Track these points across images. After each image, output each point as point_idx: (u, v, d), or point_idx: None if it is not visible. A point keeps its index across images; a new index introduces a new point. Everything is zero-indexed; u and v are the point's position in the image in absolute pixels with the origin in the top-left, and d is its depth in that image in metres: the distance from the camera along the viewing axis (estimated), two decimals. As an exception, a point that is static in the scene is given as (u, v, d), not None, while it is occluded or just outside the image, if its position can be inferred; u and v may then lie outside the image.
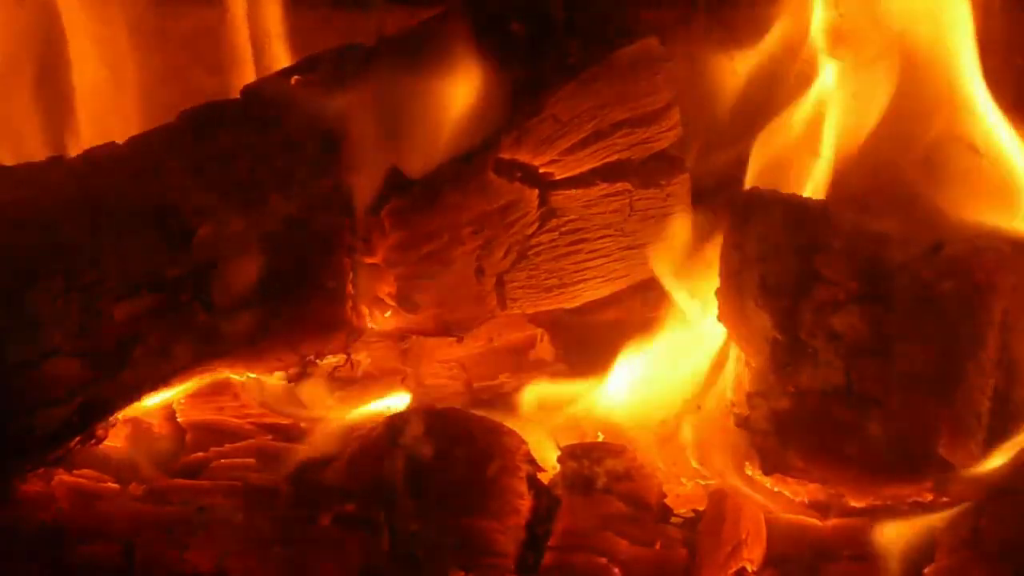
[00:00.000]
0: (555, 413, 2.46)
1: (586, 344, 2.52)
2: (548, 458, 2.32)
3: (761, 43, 2.60)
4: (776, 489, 2.30)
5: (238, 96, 2.40)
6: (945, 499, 2.21)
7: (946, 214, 2.42)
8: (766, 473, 2.27)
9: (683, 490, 2.37)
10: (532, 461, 2.28)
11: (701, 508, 2.27)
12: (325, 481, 2.24)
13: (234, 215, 2.25)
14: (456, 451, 2.25)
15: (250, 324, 2.27)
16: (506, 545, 2.18)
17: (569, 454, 2.29)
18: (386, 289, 2.34)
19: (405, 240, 2.32)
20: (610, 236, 2.46)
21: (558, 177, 2.41)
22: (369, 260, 2.33)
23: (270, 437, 2.42)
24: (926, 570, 2.16)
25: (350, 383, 2.47)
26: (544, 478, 2.29)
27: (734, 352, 2.38)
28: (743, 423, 2.30)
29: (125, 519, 2.22)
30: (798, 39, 2.57)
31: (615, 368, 2.46)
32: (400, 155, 2.35)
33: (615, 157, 2.45)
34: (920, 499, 2.22)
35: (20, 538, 2.19)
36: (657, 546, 2.19)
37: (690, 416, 2.44)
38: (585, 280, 2.47)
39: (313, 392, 2.44)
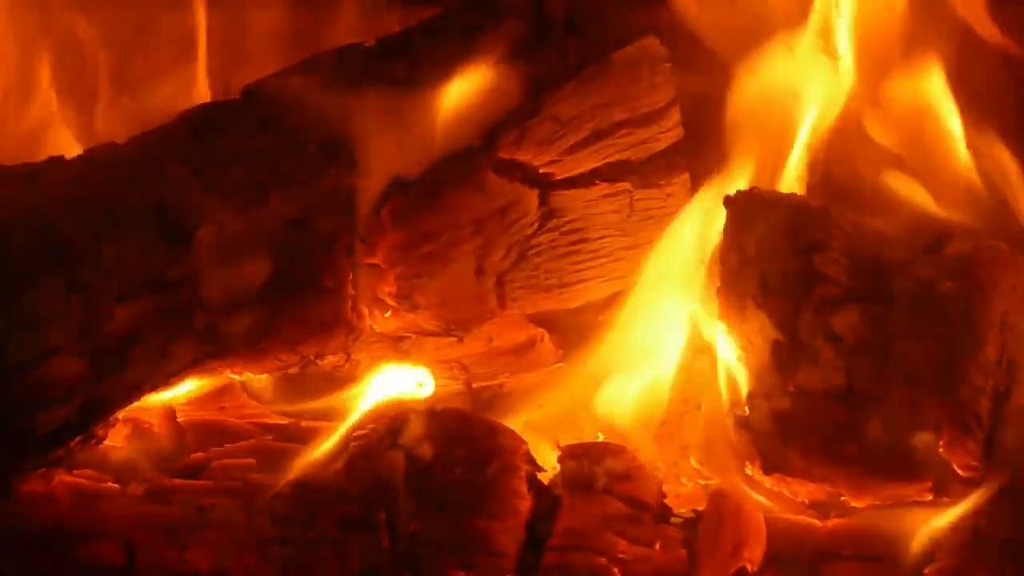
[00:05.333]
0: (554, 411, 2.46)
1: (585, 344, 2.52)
2: (548, 458, 2.32)
3: (762, 43, 2.60)
4: (776, 489, 2.31)
5: (238, 96, 2.40)
6: (945, 499, 2.21)
7: (946, 214, 2.42)
8: (766, 473, 2.27)
9: (683, 490, 2.37)
10: (532, 461, 2.28)
11: (701, 508, 2.27)
12: (325, 481, 2.24)
13: (234, 215, 2.25)
14: (456, 451, 2.25)
15: (250, 324, 2.27)
16: (506, 545, 2.18)
17: (569, 454, 2.29)
18: (386, 289, 2.34)
19: (405, 240, 2.32)
20: (610, 236, 2.46)
21: (558, 177, 2.42)
22: (369, 260, 2.33)
23: (270, 437, 2.42)
24: (926, 570, 2.16)
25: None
26: (544, 478, 2.29)
27: (734, 352, 2.38)
28: (743, 423, 2.30)
29: (125, 519, 2.22)
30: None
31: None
32: (400, 155, 2.35)
33: (615, 157, 2.45)
34: (920, 499, 2.22)
35: (20, 538, 2.19)
36: (657, 546, 2.19)
37: (690, 417, 2.44)
38: (585, 280, 2.47)
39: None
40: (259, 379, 2.47)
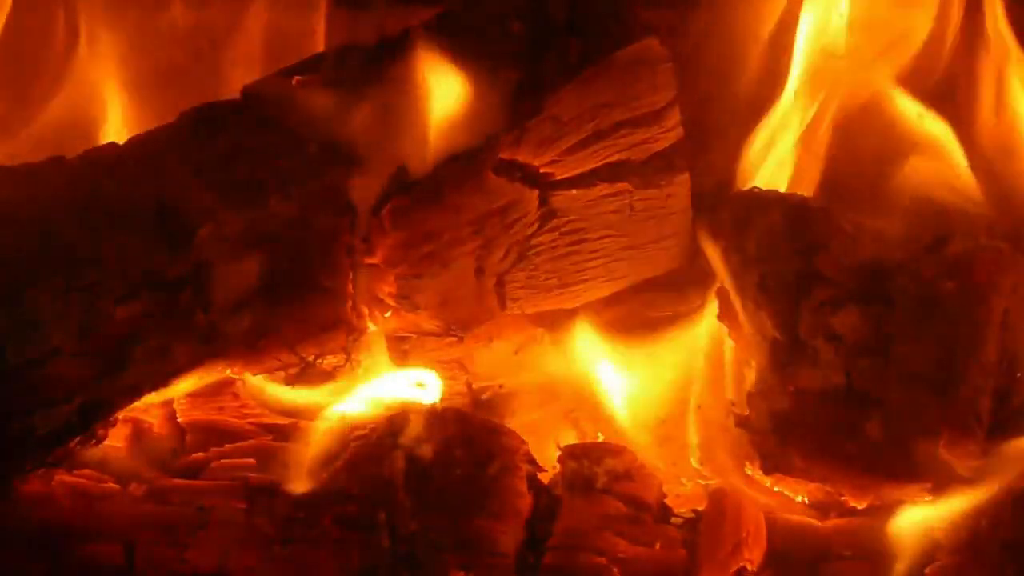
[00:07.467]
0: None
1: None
2: (548, 458, 2.32)
3: (763, 43, 2.60)
4: (776, 489, 2.31)
5: (238, 96, 2.40)
6: (945, 498, 2.21)
7: (946, 213, 2.42)
8: (766, 473, 2.27)
9: (683, 490, 2.37)
10: (532, 461, 2.29)
11: (701, 508, 2.28)
12: (325, 481, 2.24)
13: (234, 215, 2.26)
14: (456, 451, 2.25)
15: (250, 324, 2.27)
16: (506, 545, 2.18)
17: (569, 454, 2.30)
18: (386, 289, 2.34)
19: (405, 240, 2.32)
20: (610, 236, 2.46)
21: (558, 177, 2.41)
22: (369, 260, 2.33)
23: (270, 437, 2.42)
24: (927, 570, 2.16)
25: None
26: (544, 478, 2.29)
27: (734, 352, 2.38)
28: (743, 423, 2.30)
29: (125, 519, 2.22)
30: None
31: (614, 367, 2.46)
32: (400, 155, 2.35)
33: (615, 157, 2.45)
34: (920, 499, 2.22)
35: (20, 538, 2.19)
36: (657, 546, 2.19)
37: (691, 416, 2.44)
38: (585, 280, 2.47)
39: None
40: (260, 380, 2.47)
